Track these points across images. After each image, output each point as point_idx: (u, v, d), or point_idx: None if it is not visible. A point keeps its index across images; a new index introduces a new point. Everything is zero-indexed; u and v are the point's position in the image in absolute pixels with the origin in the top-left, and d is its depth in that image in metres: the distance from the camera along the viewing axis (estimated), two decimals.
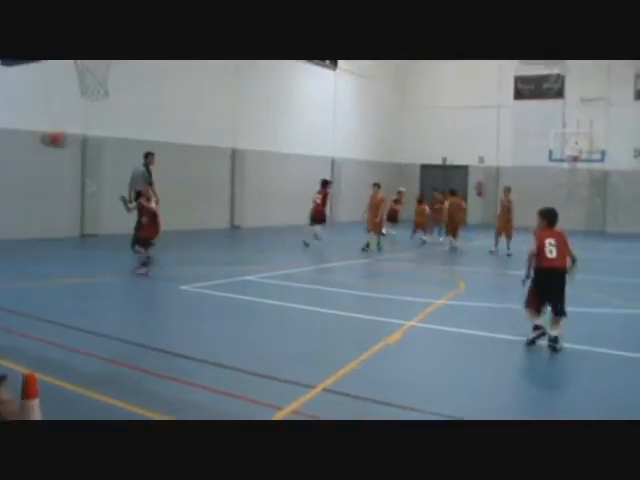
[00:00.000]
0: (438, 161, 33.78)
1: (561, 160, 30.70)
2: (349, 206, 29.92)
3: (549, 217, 8.82)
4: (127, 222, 14.89)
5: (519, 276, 8.89)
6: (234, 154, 24.79)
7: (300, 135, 27.87)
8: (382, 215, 20.03)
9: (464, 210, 22.35)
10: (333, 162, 30.04)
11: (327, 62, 28.90)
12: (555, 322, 8.37)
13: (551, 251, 8.40)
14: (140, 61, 17.13)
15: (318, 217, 20.13)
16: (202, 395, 6.32)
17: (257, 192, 25.39)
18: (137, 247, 13.27)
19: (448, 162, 33.54)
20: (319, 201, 20.34)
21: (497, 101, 32.19)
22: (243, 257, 16.65)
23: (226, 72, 23.25)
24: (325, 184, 20.75)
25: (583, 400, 6.76)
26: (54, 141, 13.33)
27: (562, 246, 8.46)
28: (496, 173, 31.97)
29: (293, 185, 26.69)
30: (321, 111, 29.17)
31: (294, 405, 5.98)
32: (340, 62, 29.64)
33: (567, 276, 8.47)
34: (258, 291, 11.92)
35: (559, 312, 8.36)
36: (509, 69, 31.58)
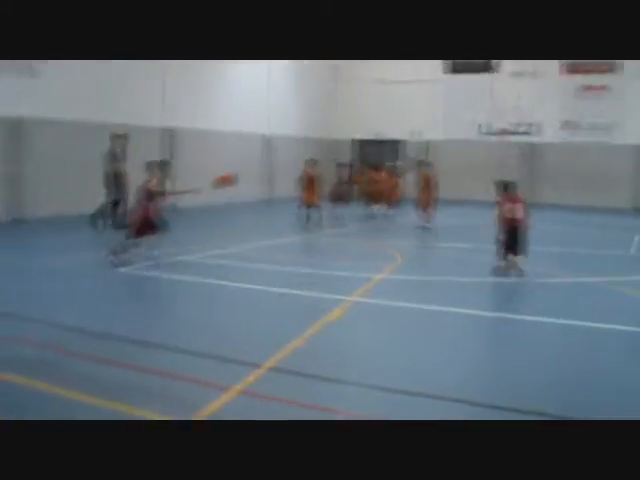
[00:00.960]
0: (372, 136, 33.83)
1: (491, 133, 31.14)
2: (283, 183, 29.85)
3: (503, 186, 12.06)
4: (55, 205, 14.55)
5: (453, 248, 9.15)
6: (166, 133, 24.38)
7: (233, 112, 27.55)
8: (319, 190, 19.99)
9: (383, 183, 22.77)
10: (266, 139, 29.82)
11: None
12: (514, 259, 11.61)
13: (511, 211, 11.62)
14: None
15: None
16: (144, 378, 6.26)
17: (190, 171, 24.99)
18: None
19: (381, 137, 33.61)
20: None
21: (429, 75, 32.35)
22: (181, 237, 16.46)
23: None
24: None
25: (522, 369, 6.91)
26: (225, 182, 12.98)
27: (519, 209, 11.65)
28: (427, 147, 32.20)
29: (226, 163, 26.43)
30: (254, 87, 28.87)
31: (240, 385, 5.97)
32: None
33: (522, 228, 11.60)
34: (196, 271, 11.81)
35: (517, 252, 11.58)
36: None
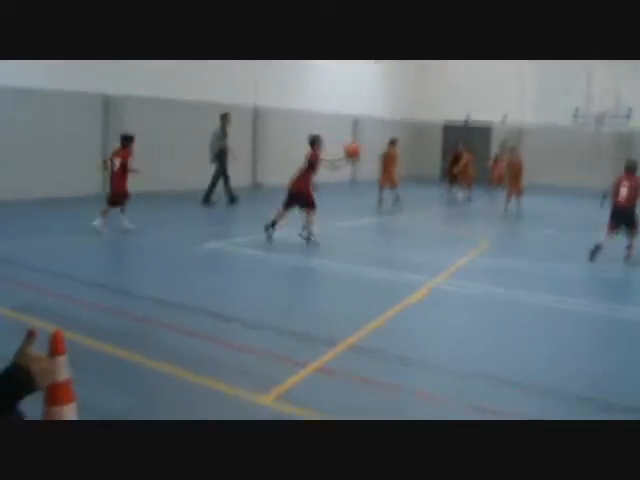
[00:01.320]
0: (461, 119, 33.37)
1: (586, 118, 30.24)
2: (371, 165, 29.87)
3: (627, 166, 12.10)
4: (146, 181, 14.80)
5: (544, 234, 8.96)
6: (255, 112, 24.61)
7: (323, 93, 27.61)
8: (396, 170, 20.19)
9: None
10: (355, 121, 29.80)
11: None
12: (630, 242, 11.79)
13: (623, 192, 11.68)
14: None
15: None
16: (224, 352, 6.39)
17: (278, 150, 25.19)
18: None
19: (471, 120, 33.13)
20: None
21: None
22: (265, 214, 16.59)
23: None
24: None
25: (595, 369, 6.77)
26: (353, 155, 13.27)
27: (633, 188, 11.67)
28: (519, 132, 31.58)
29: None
30: (345, 69, 28.84)
31: (317, 363, 6.03)
32: None
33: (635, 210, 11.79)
34: (282, 247, 11.94)
35: (630, 234, 11.75)
36: None
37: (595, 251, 11.42)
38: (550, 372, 6.21)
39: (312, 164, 12.48)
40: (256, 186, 24.47)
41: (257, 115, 24.61)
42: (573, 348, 7.20)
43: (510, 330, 7.68)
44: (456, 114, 33.25)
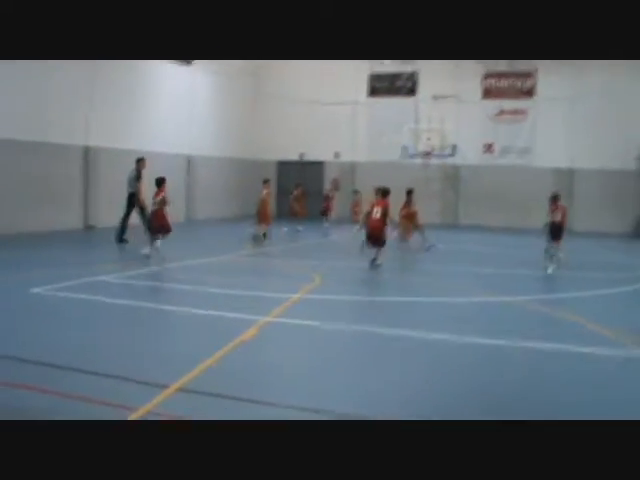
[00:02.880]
0: (295, 157, 33.92)
1: (415, 155, 31.54)
2: (205, 204, 29.82)
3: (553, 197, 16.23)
4: None
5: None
6: (87, 152, 23.88)
7: (156, 133, 27.22)
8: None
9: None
10: (189, 159, 29.57)
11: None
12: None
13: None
14: None
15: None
16: (50, 400, 6.08)
17: (111, 191, 24.48)
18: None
19: (304, 158, 33.75)
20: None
21: (352, 98, 32.73)
22: (98, 257, 16.16)
23: (77, 66, 22.28)
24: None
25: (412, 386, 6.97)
26: None
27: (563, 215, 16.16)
28: (351, 168, 32.49)
29: (149, 184, 26.06)
30: (177, 108, 28.62)
31: (148, 406, 5.85)
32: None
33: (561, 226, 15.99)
34: (111, 291, 11.59)
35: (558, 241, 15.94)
36: (364, 66, 32.16)
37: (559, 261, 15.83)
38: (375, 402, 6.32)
39: (386, 212, 15.45)
40: (88, 228, 23.69)
41: (88, 155, 23.87)
42: (393, 375, 7.38)
43: (336, 362, 7.78)
44: (291, 152, 33.79)
